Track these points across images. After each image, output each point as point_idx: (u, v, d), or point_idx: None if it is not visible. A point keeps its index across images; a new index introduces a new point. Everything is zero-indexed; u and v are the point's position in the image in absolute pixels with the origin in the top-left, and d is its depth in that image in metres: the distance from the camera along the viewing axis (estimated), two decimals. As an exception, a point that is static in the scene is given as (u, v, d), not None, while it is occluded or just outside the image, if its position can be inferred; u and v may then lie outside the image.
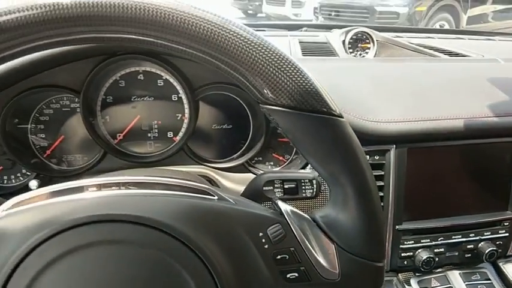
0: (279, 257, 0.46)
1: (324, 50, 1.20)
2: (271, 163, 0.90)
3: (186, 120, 0.85)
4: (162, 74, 0.82)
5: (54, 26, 0.37)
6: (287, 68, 0.42)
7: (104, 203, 0.44)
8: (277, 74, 0.42)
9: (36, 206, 0.44)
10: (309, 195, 0.65)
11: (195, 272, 0.42)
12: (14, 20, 0.35)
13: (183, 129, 0.86)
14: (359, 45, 1.30)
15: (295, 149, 0.88)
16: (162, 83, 0.83)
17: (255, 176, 0.85)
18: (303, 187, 0.65)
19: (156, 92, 0.83)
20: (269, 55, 0.42)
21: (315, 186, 0.64)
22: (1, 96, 0.74)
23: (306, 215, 0.50)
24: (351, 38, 1.29)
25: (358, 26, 1.32)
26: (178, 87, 0.83)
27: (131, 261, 0.42)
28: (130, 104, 0.83)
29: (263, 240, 0.46)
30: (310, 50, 1.18)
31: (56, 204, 0.44)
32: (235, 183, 0.85)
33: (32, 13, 0.36)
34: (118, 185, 0.47)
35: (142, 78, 0.82)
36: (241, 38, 0.41)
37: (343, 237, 0.47)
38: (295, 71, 0.43)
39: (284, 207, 0.48)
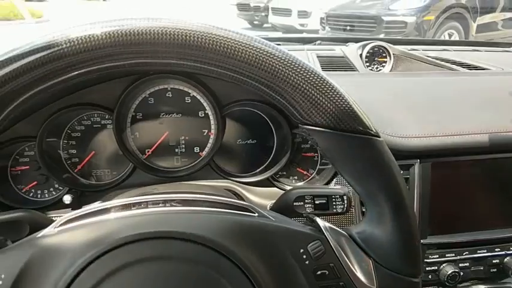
0: (319, 272, 0.47)
1: (342, 65, 1.21)
2: (295, 177, 0.91)
3: (212, 136, 0.87)
4: (190, 91, 0.84)
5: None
6: (327, 90, 0.44)
7: (152, 220, 0.46)
8: (318, 95, 0.44)
9: (87, 223, 0.46)
10: (339, 210, 0.66)
11: (240, 286, 0.44)
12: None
13: (209, 145, 0.88)
14: (375, 58, 1.32)
15: (319, 164, 0.90)
16: (190, 99, 0.85)
17: (280, 190, 0.87)
18: (334, 203, 0.66)
19: (184, 109, 0.86)
20: (310, 77, 0.44)
21: (345, 202, 0.66)
22: (39, 115, 0.76)
23: (343, 231, 0.51)
24: (368, 52, 1.30)
25: (375, 40, 1.34)
26: (205, 104, 0.85)
27: (179, 276, 0.43)
28: (159, 120, 0.86)
29: (304, 256, 0.47)
30: (328, 64, 1.20)
31: (106, 222, 0.46)
32: (260, 197, 0.87)
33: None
34: (164, 202, 0.49)
35: (170, 95, 0.84)
36: (285, 62, 0.43)
37: (380, 252, 0.49)
38: (334, 92, 0.45)
39: (323, 224, 0.50)
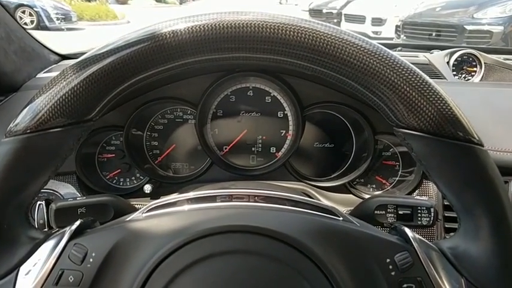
0: (405, 285, 0.44)
1: (427, 72, 1.15)
2: (373, 186, 0.87)
3: (289, 137, 0.86)
4: (271, 90, 0.84)
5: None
6: (428, 92, 0.41)
7: (237, 214, 0.45)
8: (418, 97, 0.41)
9: (173, 211, 0.47)
10: (424, 223, 0.62)
11: None
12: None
13: (286, 146, 0.87)
14: (464, 67, 1.23)
15: (400, 174, 0.86)
16: (270, 99, 0.85)
17: (356, 197, 0.84)
18: (419, 215, 0.62)
19: (263, 108, 0.86)
20: (410, 77, 0.41)
21: (432, 214, 0.61)
22: (128, 106, 0.80)
23: (433, 245, 0.48)
24: (456, 60, 1.22)
25: (464, 48, 1.25)
26: (285, 105, 0.85)
27: (260, 272, 0.43)
28: (238, 118, 0.87)
29: (390, 267, 0.44)
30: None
31: (192, 212, 0.46)
32: (334, 203, 0.84)
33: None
34: (248, 197, 0.49)
35: (251, 94, 0.85)
36: (383, 60, 0.41)
37: (474, 271, 0.44)
38: (435, 94, 0.41)
39: (411, 234, 0.47)
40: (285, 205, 0.48)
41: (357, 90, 0.43)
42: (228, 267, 0.43)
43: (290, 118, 0.85)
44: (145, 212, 0.48)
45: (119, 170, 0.88)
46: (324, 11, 8.92)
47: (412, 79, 0.41)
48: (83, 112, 0.41)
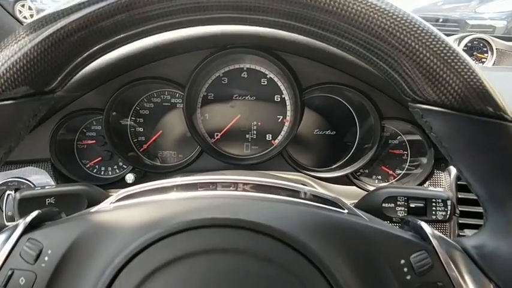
0: None
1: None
2: (379, 177, 0.80)
3: (287, 123, 0.79)
4: (267, 72, 0.77)
5: None
6: (453, 59, 0.33)
7: (220, 205, 0.38)
8: (440, 65, 0.33)
9: (146, 201, 0.39)
10: (440, 218, 0.54)
11: None
12: None
13: (283, 133, 0.79)
14: (474, 53, 1.16)
15: (408, 163, 0.78)
16: (266, 82, 0.77)
17: (360, 189, 0.77)
18: (434, 208, 0.55)
19: (259, 92, 0.78)
20: (432, 42, 0.33)
21: (449, 208, 0.54)
22: (108, 87, 0.73)
23: (455, 243, 0.40)
24: (465, 46, 1.15)
25: (473, 33, 1.18)
26: (283, 88, 0.77)
27: (248, 275, 0.35)
28: (231, 103, 0.79)
29: (405, 269, 0.37)
30: None
31: (167, 203, 0.39)
32: (336, 195, 0.77)
33: None
34: (236, 185, 0.41)
35: (245, 76, 0.77)
36: (400, 21, 0.33)
37: (505, 274, 0.37)
38: (462, 63, 0.33)
39: (430, 230, 0.39)
40: (280, 195, 0.40)
41: (365, 58, 0.35)
42: (208, 269, 0.35)
43: (288, 102, 0.78)
44: (114, 202, 0.40)
45: (100, 158, 0.80)
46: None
47: (434, 43, 0.33)
48: (40, 82, 0.33)
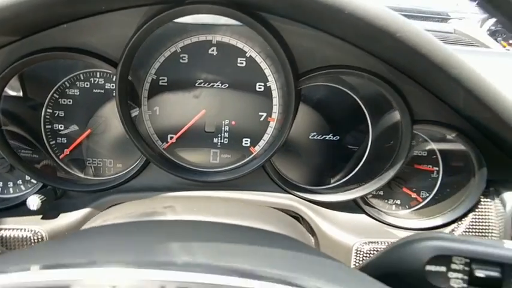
0: None
1: (462, 42, 0.90)
2: (397, 201, 0.60)
3: (273, 123, 0.56)
4: (246, 48, 0.55)
5: None
6: None
7: None
8: None
9: None
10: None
11: None
12: None
13: (266, 136, 0.58)
14: (498, 39, 0.99)
15: (438, 184, 0.57)
16: (244, 62, 0.55)
17: (371, 219, 0.55)
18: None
19: (233, 77, 0.56)
20: None
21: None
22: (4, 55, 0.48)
23: None
24: (488, 29, 0.98)
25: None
26: (269, 71, 0.55)
27: None
28: (193, 92, 0.57)
29: None
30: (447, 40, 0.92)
31: None
32: (340, 228, 0.55)
33: None
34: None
35: (214, 52, 0.54)
36: None
37: None
38: None
39: None
40: None
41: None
42: None
43: (275, 93, 0.56)
44: None
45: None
46: None
47: None
48: None
